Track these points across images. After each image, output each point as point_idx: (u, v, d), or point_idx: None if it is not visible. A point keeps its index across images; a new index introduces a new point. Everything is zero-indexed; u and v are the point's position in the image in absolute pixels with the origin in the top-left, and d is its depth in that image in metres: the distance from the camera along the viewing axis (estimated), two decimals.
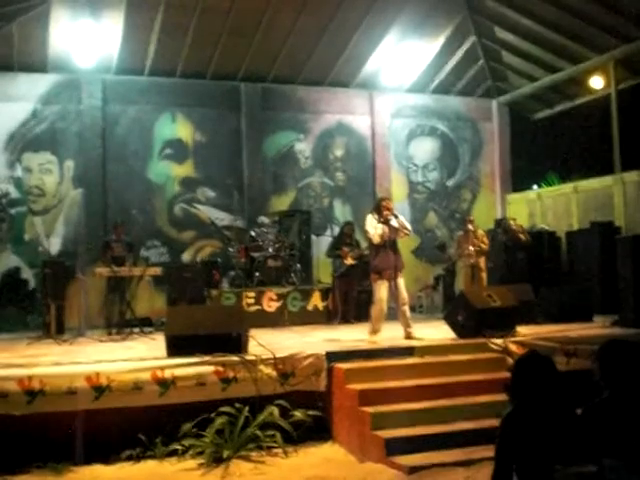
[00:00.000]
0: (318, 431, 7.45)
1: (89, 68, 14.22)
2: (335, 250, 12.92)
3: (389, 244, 9.21)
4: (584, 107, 16.82)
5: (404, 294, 9.27)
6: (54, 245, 14.18)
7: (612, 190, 14.45)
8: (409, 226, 9.47)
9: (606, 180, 14.74)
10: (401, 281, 9.25)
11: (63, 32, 13.48)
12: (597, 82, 15.42)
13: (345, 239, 12.96)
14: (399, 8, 14.55)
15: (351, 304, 12.72)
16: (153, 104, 15.15)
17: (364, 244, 13.11)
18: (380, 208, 9.37)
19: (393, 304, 9.59)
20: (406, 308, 9.26)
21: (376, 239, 9.22)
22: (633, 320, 9.60)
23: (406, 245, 9.86)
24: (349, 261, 12.65)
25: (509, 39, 15.53)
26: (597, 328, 9.87)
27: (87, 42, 13.63)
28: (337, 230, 14.68)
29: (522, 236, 13.31)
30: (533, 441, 3.57)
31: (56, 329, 11.27)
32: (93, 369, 7.09)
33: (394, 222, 9.21)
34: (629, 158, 13.83)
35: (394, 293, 9.25)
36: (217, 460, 6.77)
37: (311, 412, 7.36)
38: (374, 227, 9.24)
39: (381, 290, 9.19)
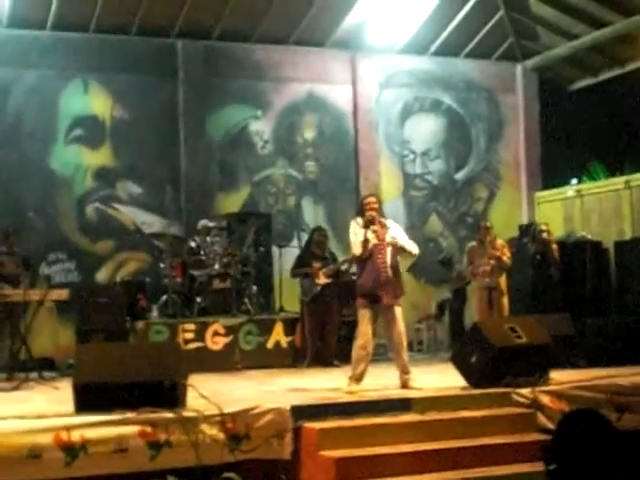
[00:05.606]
0: None
1: None
2: (302, 267, 12.88)
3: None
4: (639, 74, 16.99)
5: (401, 327, 9.24)
6: None
7: None
8: (413, 247, 9.44)
9: None
10: (398, 310, 9.25)
11: None
12: None
13: (315, 251, 12.94)
14: None
15: (331, 339, 12.64)
16: (58, 68, 15.07)
17: (342, 256, 13.12)
18: (362, 209, 9.41)
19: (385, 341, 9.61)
20: (403, 347, 9.26)
21: (356, 249, 9.25)
22: None
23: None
24: (322, 280, 12.57)
25: None
26: None
27: None
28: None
29: (555, 252, 13.36)
30: None
31: None
32: None
33: (388, 237, 9.20)
34: None
35: (387, 326, 9.27)
36: None
37: None
38: (355, 234, 9.27)
39: (364, 321, 9.21)
